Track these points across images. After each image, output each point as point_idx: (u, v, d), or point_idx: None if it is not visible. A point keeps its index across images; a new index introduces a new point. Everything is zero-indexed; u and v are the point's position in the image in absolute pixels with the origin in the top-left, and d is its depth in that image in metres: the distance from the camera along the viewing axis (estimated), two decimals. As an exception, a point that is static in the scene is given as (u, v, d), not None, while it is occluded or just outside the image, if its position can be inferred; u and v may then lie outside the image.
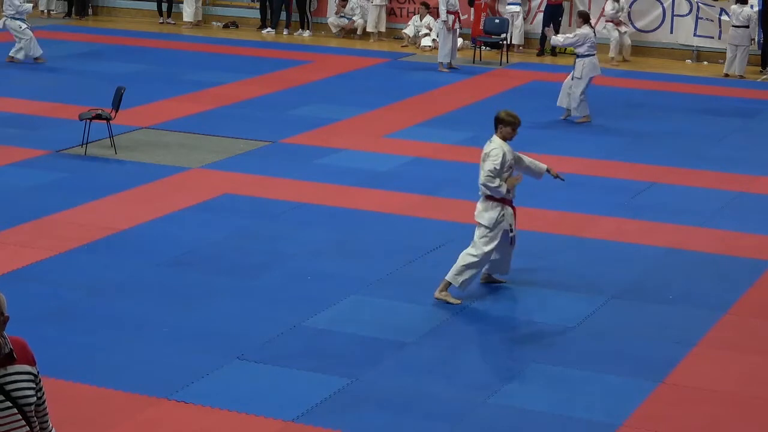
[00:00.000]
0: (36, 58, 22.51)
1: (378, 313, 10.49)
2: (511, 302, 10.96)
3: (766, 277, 11.69)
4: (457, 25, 23.29)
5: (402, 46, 26.27)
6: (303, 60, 24.04)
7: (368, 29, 27.20)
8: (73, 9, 29.48)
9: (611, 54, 24.32)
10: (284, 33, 27.76)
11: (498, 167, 10.56)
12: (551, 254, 12.22)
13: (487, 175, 10.58)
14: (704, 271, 11.89)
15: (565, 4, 25.65)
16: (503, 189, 10.62)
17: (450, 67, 23.33)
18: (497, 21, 25.31)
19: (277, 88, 20.85)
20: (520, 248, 11.26)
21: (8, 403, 5.35)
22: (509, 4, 25.82)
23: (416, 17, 26.62)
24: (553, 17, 25.24)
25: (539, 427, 8.46)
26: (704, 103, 20.68)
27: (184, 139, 16.94)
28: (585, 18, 18.99)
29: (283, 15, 27.88)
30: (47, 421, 5.59)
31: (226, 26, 28.65)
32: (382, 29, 27.25)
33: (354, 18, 27.48)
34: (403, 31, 26.72)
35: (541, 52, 25.63)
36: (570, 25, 24.83)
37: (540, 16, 25.85)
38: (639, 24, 25.46)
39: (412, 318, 10.42)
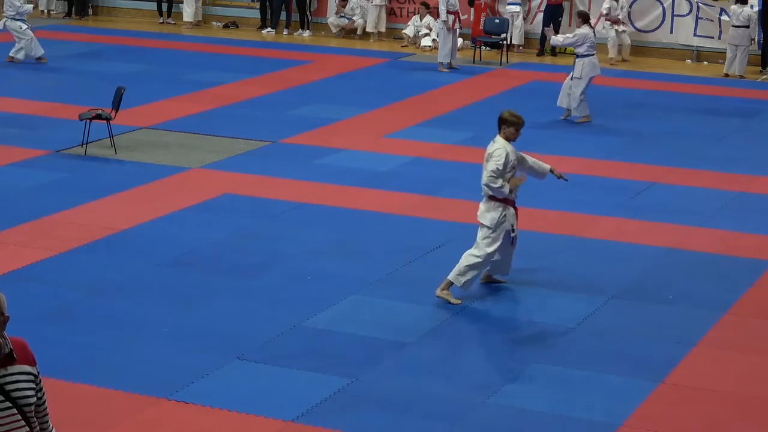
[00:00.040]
0: (38, 58, 22.51)
1: (378, 313, 10.49)
2: (511, 302, 10.96)
3: (766, 277, 11.68)
4: (457, 25, 23.28)
5: (402, 46, 26.26)
6: (303, 60, 24.03)
7: (368, 29, 27.19)
8: (73, 9, 29.47)
9: (610, 54, 24.31)
10: (284, 33, 27.74)
11: (501, 168, 10.55)
12: (551, 254, 12.21)
13: (490, 176, 10.57)
14: (704, 271, 11.89)
15: (565, 4, 25.64)
16: (506, 189, 10.61)
17: (450, 67, 23.32)
18: (497, 21, 25.31)
19: (277, 88, 20.84)
20: (521, 248, 11.25)
21: (8, 404, 5.35)
22: (509, 4, 25.80)
23: (416, 17, 26.60)
24: (553, 17, 25.23)
25: (539, 427, 8.46)
26: (704, 103, 20.68)
27: (184, 139, 16.93)
28: (585, 18, 18.99)
29: (283, 15, 27.87)
30: (47, 422, 5.59)
31: (226, 26, 28.63)
32: (382, 29, 27.24)
33: (354, 18, 27.47)
34: (403, 31, 26.71)
35: (541, 52, 25.63)
36: (570, 25, 24.83)
37: (540, 16, 25.84)
38: (639, 24, 25.44)
39: (412, 318, 10.42)
